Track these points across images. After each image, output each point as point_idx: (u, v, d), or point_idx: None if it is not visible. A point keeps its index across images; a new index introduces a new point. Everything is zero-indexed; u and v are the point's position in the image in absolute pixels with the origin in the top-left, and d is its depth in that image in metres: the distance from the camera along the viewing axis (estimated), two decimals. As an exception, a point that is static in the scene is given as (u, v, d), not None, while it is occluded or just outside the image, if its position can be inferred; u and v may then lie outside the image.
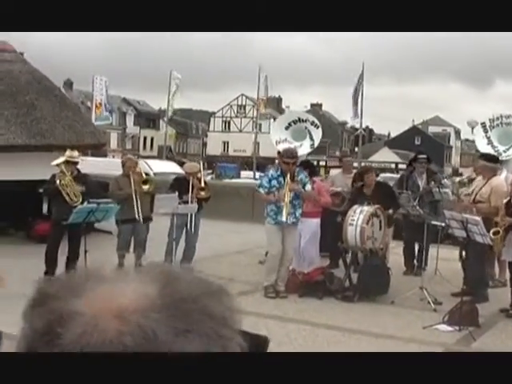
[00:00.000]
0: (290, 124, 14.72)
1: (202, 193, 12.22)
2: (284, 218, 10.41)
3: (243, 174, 47.99)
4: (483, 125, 12.90)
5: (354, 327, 9.05)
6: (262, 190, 10.90)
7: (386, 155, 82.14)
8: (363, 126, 47.23)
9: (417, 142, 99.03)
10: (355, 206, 10.96)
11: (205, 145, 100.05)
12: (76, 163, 11.54)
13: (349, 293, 10.63)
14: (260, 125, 52.90)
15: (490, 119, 12.78)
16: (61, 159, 11.40)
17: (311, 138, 14.43)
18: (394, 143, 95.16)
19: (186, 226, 12.23)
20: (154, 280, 0.95)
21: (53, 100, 15.54)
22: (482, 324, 9.25)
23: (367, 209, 10.84)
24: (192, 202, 11.93)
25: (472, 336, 8.64)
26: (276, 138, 14.65)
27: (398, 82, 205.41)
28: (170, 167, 26.85)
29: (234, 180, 33.00)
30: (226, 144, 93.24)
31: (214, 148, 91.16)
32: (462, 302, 9.16)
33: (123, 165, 12.26)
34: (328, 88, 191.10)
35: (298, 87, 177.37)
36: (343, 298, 10.55)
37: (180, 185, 12.24)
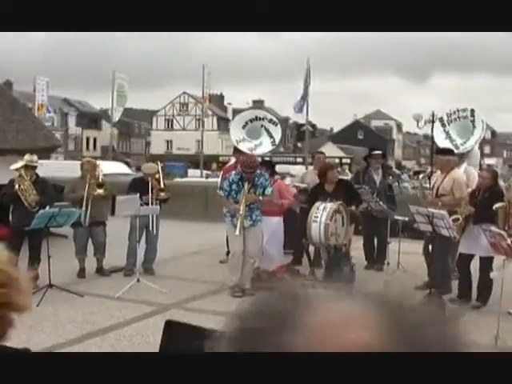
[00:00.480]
0: (246, 123, 14.66)
1: (162, 194, 12.10)
2: (237, 232, 10.44)
3: (190, 172, 47.92)
4: (441, 120, 13.05)
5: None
6: (222, 193, 10.96)
7: (330, 150, 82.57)
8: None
9: (360, 137, 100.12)
10: (318, 203, 10.97)
11: (148, 144, 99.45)
12: (35, 167, 11.32)
13: (315, 290, 10.62)
14: (203, 122, 52.72)
15: (447, 114, 12.95)
16: (20, 164, 11.17)
17: (270, 136, 14.38)
18: (338, 138, 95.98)
19: (147, 227, 12.10)
20: (372, 307, 0.86)
21: (3, 103, 15.24)
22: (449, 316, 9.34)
23: (330, 205, 10.86)
24: (152, 204, 11.81)
25: (442, 329, 8.72)
26: (236, 138, 14.59)
27: (339, 77, 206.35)
28: (118, 168, 26.63)
29: (183, 179, 32.85)
30: (169, 143, 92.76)
31: (157, 147, 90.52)
32: (430, 294, 9.26)
33: (81, 167, 12.08)
34: (269, 84, 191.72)
35: (238, 85, 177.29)
36: (310, 295, 10.54)
37: (138, 186, 12.08)
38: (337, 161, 73.33)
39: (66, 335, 8.41)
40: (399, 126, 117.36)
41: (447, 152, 11.51)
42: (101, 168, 12.28)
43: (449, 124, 12.83)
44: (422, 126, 37.91)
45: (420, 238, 12.13)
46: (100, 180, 11.85)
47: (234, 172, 11.18)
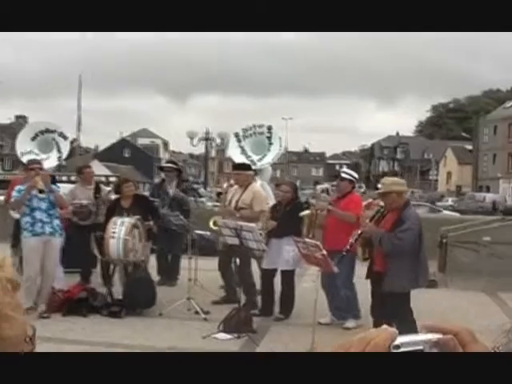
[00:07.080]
0: (36, 134, 13.89)
1: None
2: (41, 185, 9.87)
3: None
4: (236, 135, 13.09)
5: (135, 343, 8.69)
6: (13, 199, 10.39)
7: (96, 168, 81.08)
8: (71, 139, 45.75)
9: (126, 155, 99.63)
10: (115, 218, 10.61)
11: None
12: None
13: (115, 308, 10.23)
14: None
15: (243, 129, 13.01)
16: None
17: (59, 150, 13.76)
18: (103, 156, 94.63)
19: None
20: None
21: None
22: (257, 329, 9.38)
23: (128, 220, 10.56)
24: None
25: (253, 341, 8.72)
26: (21, 150, 13.78)
27: (100, 95, 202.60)
28: None
29: None
30: None
31: None
32: (239, 309, 9.23)
33: None
34: (28, 101, 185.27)
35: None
36: (109, 313, 10.13)
37: None
38: (103, 179, 72.55)
39: None
40: (166, 144, 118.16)
41: (246, 167, 11.57)
42: None
43: (244, 139, 12.95)
44: (196, 144, 38.28)
45: (208, 254, 12.15)
46: None
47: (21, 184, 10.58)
